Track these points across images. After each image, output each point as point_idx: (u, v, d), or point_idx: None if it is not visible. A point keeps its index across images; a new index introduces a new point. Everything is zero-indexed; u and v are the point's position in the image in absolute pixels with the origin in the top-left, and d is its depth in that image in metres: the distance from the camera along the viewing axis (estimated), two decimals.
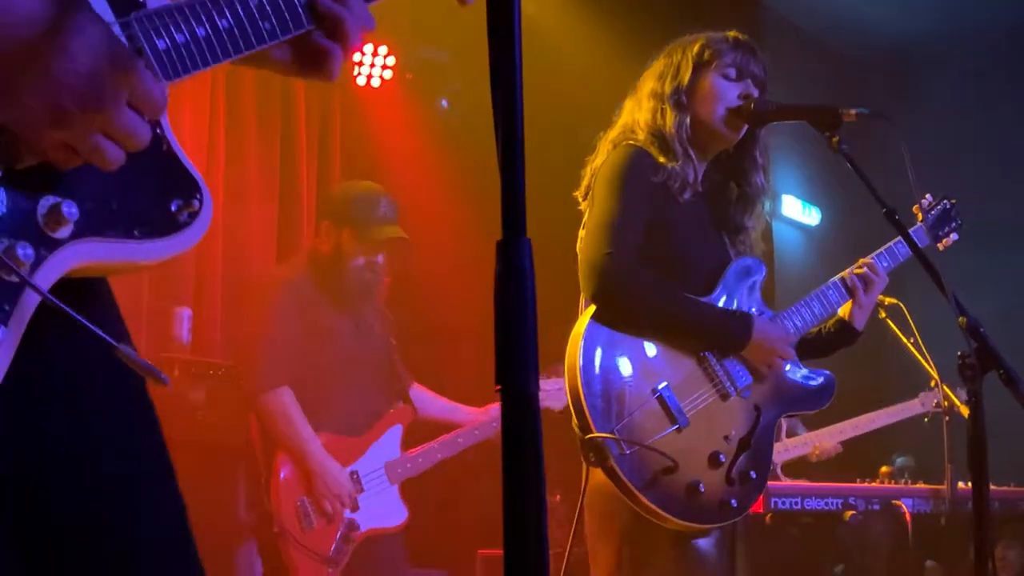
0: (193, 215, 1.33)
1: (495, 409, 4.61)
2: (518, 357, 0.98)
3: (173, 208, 1.32)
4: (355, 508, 4.17)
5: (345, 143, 6.86)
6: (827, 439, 5.34)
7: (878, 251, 3.24)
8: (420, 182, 6.83)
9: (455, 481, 5.98)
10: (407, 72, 6.74)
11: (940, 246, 3.44)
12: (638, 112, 3.08)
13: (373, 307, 4.50)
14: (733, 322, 2.95)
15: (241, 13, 1.36)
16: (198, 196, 1.34)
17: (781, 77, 7.19)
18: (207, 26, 1.33)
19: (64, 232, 1.24)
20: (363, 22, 1.46)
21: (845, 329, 3.19)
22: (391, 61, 6.66)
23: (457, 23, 6.30)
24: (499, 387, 0.98)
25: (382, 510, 4.28)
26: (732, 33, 3.13)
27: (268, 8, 1.39)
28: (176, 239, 1.32)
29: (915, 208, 3.36)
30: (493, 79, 1.03)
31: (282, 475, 4.07)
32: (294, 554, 4.01)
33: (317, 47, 1.46)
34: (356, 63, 6.60)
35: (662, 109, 3.01)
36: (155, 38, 1.29)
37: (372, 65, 6.64)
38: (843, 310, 3.19)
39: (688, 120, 3.01)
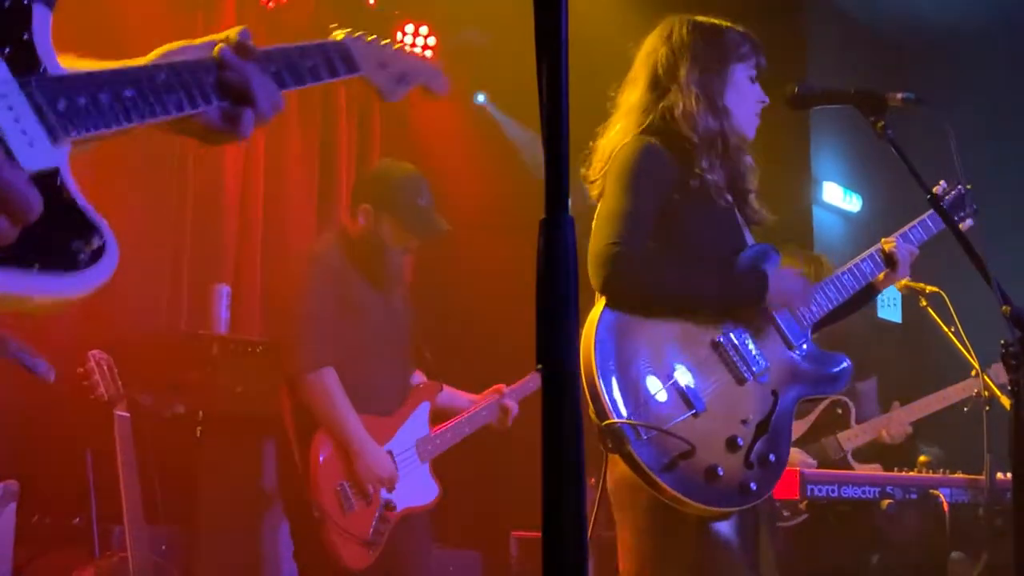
0: (95, 255, 1.40)
1: (492, 392, 4.65)
2: (560, 334, 0.97)
3: (73, 247, 1.39)
4: (392, 488, 4.16)
5: (385, 120, 6.86)
6: (896, 423, 5.35)
7: (911, 224, 3.33)
8: (458, 161, 6.84)
9: (489, 462, 5.99)
10: (447, 53, 6.73)
11: None
12: (675, 99, 3.02)
13: (401, 287, 4.51)
14: (747, 282, 2.97)
15: (146, 87, 1.49)
16: (98, 238, 1.41)
17: (824, 62, 7.16)
18: (110, 94, 1.44)
19: None
20: (273, 99, 1.62)
21: (867, 291, 3.27)
22: (432, 41, 6.66)
23: (499, 6, 6.28)
24: (540, 365, 0.98)
25: (415, 488, 4.28)
26: (736, 26, 3.12)
27: (176, 83, 1.53)
28: (78, 277, 1.38)
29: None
30: (539, 54, 1.02)
31: (321, 458, 4.02)
32: (335, 538, 3.97)
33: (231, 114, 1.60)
34: (398, 43, 6.59)
35: (702, 109, 2.98)
36: (56, 98, 1.38)
37: (412, 45, 6.63)
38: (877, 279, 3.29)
39: (729, 124, 3.03)
